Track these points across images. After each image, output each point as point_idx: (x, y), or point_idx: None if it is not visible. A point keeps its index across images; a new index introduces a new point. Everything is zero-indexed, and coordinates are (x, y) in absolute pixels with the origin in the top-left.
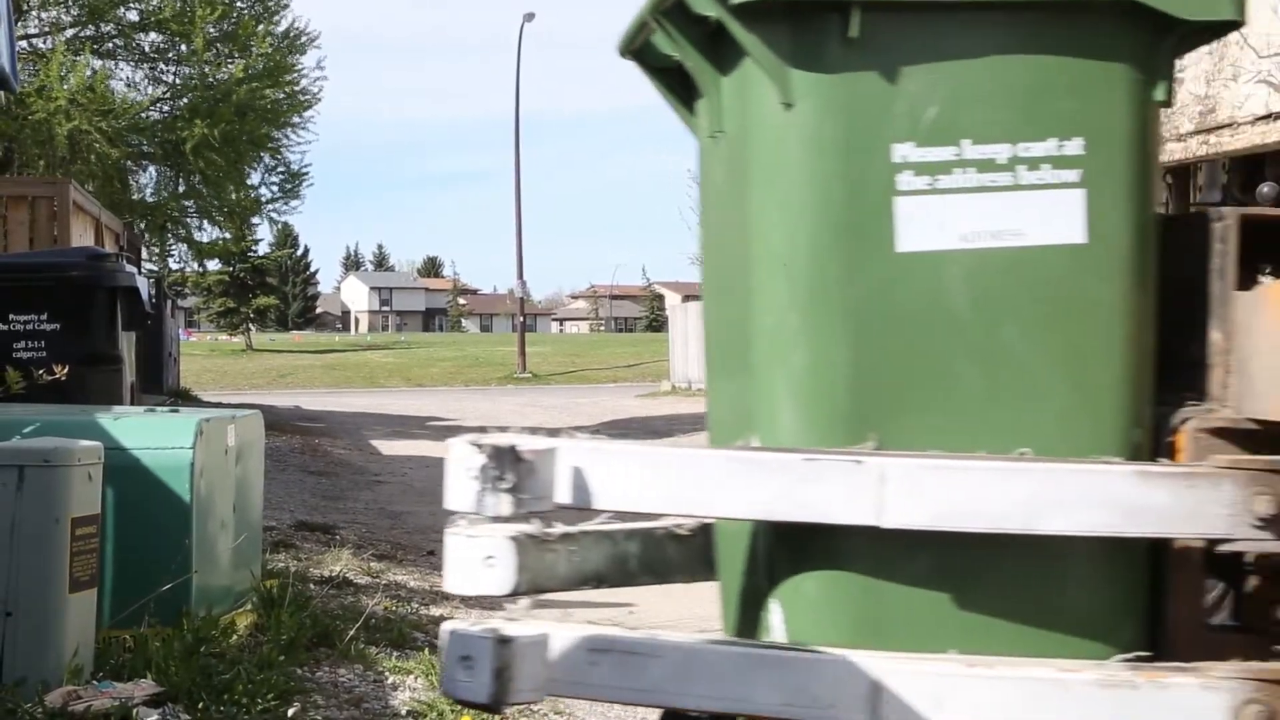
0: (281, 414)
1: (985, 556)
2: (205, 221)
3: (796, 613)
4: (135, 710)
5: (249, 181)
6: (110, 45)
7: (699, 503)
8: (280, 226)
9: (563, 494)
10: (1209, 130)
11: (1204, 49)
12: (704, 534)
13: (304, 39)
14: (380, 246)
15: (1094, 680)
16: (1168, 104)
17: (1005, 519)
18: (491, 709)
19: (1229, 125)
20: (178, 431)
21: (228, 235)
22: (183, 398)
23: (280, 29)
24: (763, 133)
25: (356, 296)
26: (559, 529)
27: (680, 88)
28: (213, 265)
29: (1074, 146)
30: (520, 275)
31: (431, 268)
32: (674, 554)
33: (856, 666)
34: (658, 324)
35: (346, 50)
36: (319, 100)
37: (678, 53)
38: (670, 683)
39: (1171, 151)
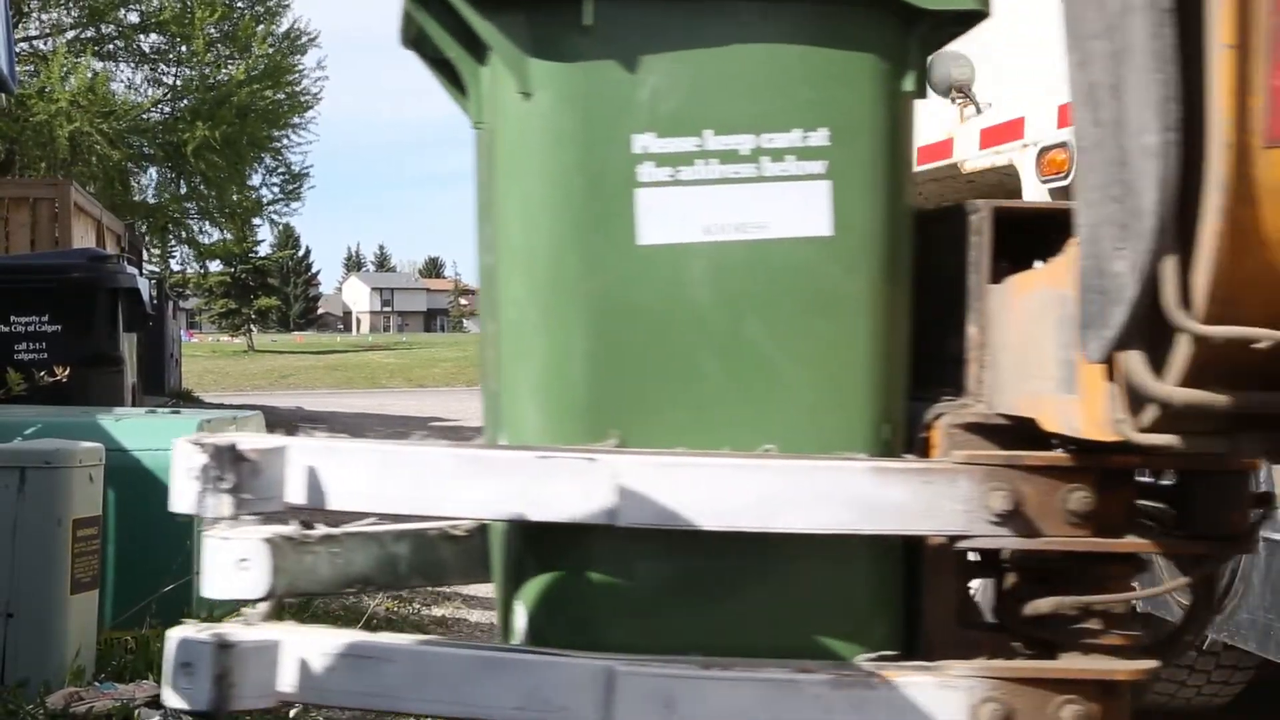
0: (283, 415)
1: (726, 555)
2: (206, 223)
3: (537, 614)
4: (137, 711)
5: (250, 182)
6: (111, 47)
7: (432, 502)
8: (281, 227)
9: (295, 494)
10: None
11: None
12: (481, 535)
13: (304, 39)
14: (381, 247)
15: (828, 680)
16: (920, 95)
17: (739, 517)
18: (210, 717)
19: None
20: (179, 433)
21: (229, 236)
22: (184, 399)
23: (281, 29)
24: (506, 124)
25: (358, 297)
26: (319, 530)
27: (457, 80)
28: (214, 266)
29: (819, 137)
30: None
31: (433, 268)
32: (449, 556)
33: (590, 668)
34: None
35: (346, 50)
36: (319, 100)
37: (441, 43)
38: (404, 687)
39: None
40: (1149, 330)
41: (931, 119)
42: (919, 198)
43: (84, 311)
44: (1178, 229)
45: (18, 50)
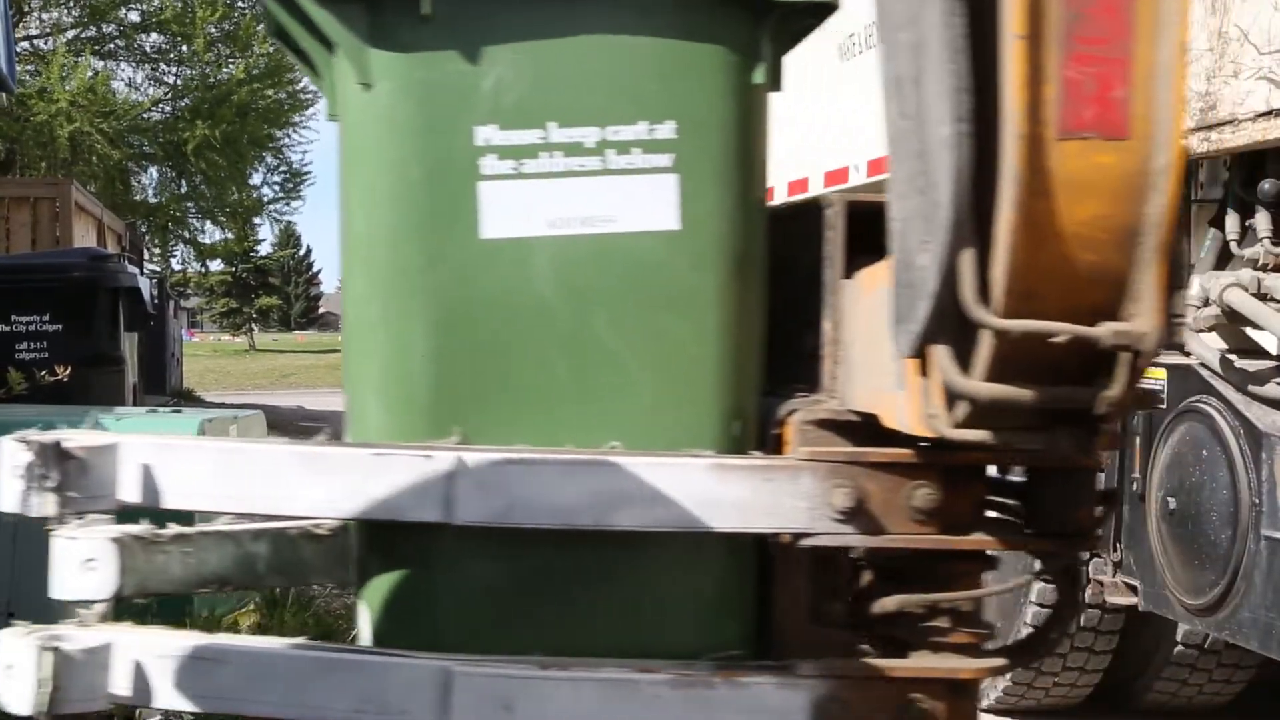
0: (284, 414)
1: (569, 553)
2: (207, 222)
3: (378, 614)
4: (138, 710)
5: (250, 181)
6: (111, 46)
7: (272, 501)
8: (282, 226)
9: (129, 492)
10: (1210, 127)
11: (1204, 45)
12: (345, 534)
13: None
14: None
15: (668, 680)
16: (774, 88)
17: (577, 514)
18: None
19: (1230, 122)
20: (180, 431)
21: (230, 235)
22: (185, 398)
23: None
24: (348, 115)
25: None
26: (171, 530)
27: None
28: (215, 266)
29: (666, 130)
30: None
31: None
32: (310, 555)
33: (428, 669)
34: None
35: None
36: (320, 98)
37: (295, 35)
38: (240, 688)
39: None
40: (955, 325)
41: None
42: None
43: (85, 311)
44: (976, 222)
45: (18, 50)
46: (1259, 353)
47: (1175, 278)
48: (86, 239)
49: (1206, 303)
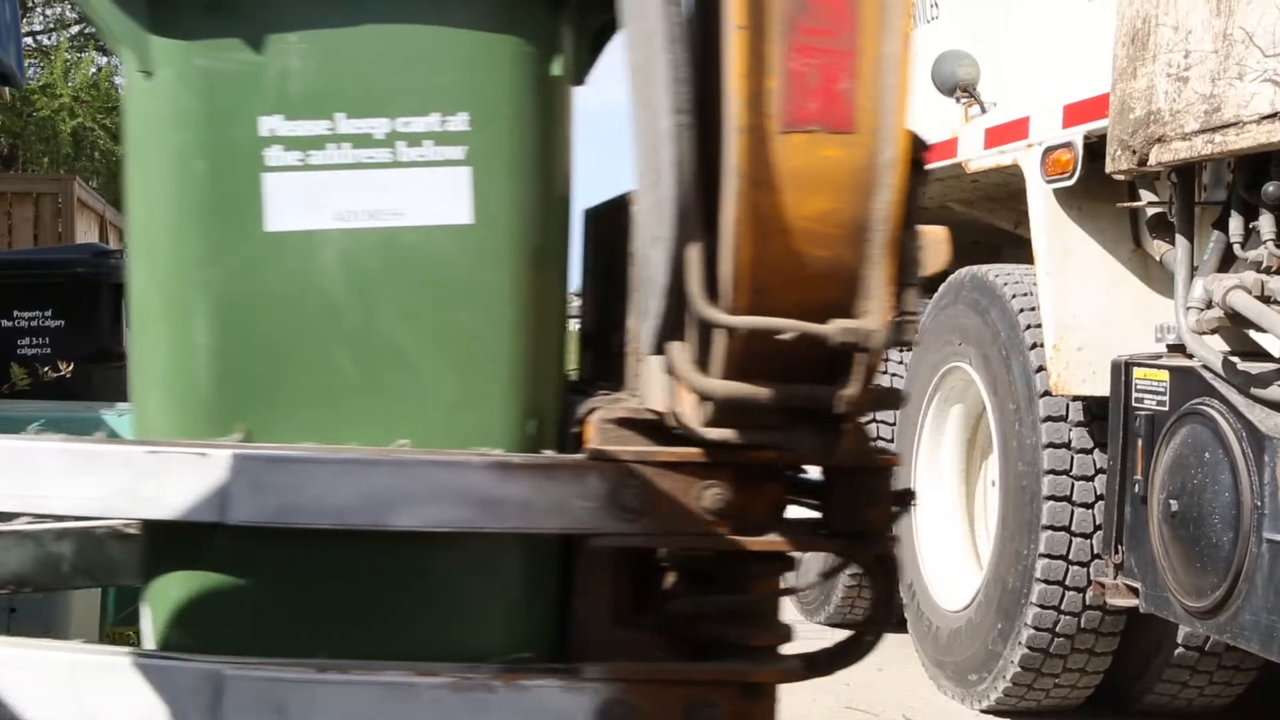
0: None
1: (351, 554)
2: None
3: (160, 616)
4: None
5: None
6: None
7: (39, 499)
8: None
9: None
10: (1214, 129)
11: (1209, 48)
12: None
13: None
14: None
15: (448, 684)
16: (578, 81)
17: (354, 514)
18: None
19: (1234, 124)
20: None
21: None
22: None
23: None
24: (131, 104)
25: None
26: None
27: None
28: None
29: (458, 122)
30: None
31: None
32: (119, 555)
33: (199, 672)
34: None
35: None
36: None
37: (93, 20)
38: (10, 691)
39: (1177, 151)
40: (689, 321)
41: (936, 118)
42: (925, 198)
43: (87, 307)
44: (706, 217)
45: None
46: (1262, 355)
47: (906, 274)
48: (89, 235)
49: (1209, 305)
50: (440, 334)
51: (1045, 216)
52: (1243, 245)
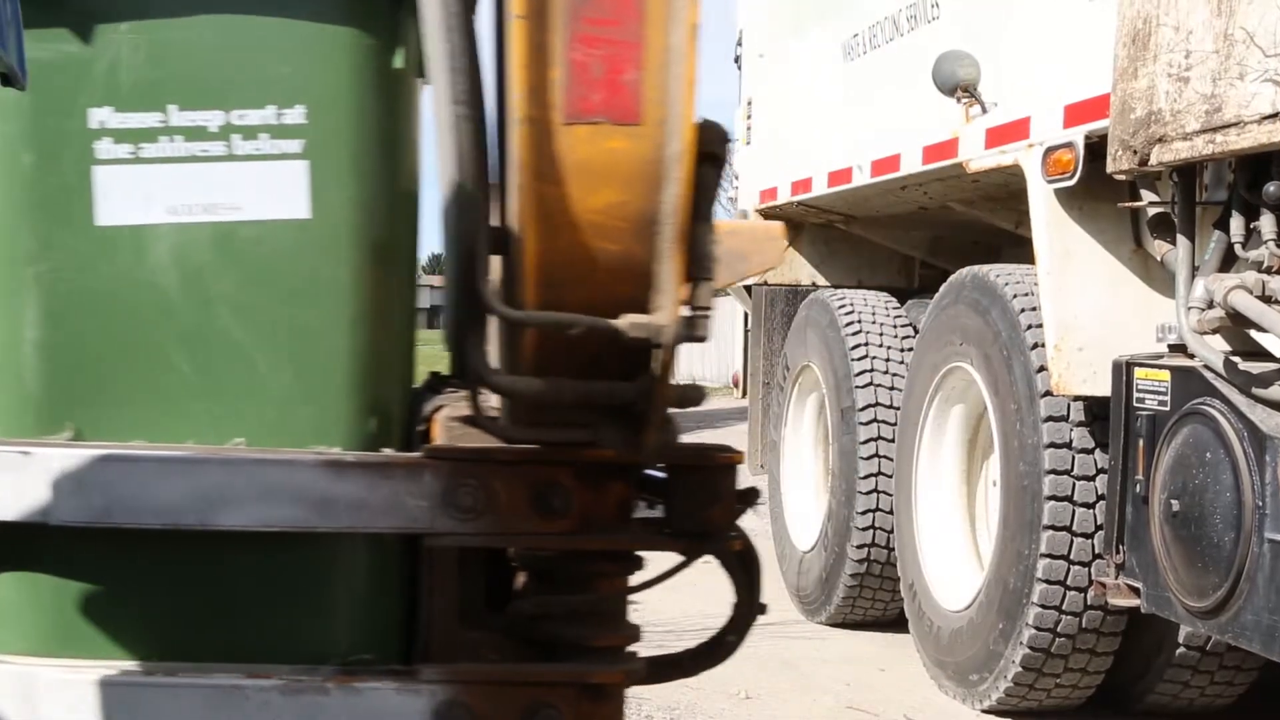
0: None
1: (181, 554)
2: None
3: None
4: None
5: None
6: None
7: None
8: None
9: None
10: (1215, 129)
11: (1210, 48)
12: None
13: None
14: None
15: (278, 686)
16: (421, 75)
17: (181, 514)
18: None
19: (1235, 124)
20: None
21: None
22: None
23: None
24: None
25: None
26: None
27: None
28: None
29: (295, 115)
30: None
31: (437, 265)
32: None
33: (15, 675)
34: None
35: None
36: None
37: None
38: None
39: (1178, 151)
40: (482, 317)
41: (937, 118)
42: (924, 197)
43: None
44: (492, 209)
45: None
46: (1263, 355)
47: (700, 268)
48: None
49: (1211, 305)
50: (277, 331)
51: (1046, 216)
52: (1244, 245)
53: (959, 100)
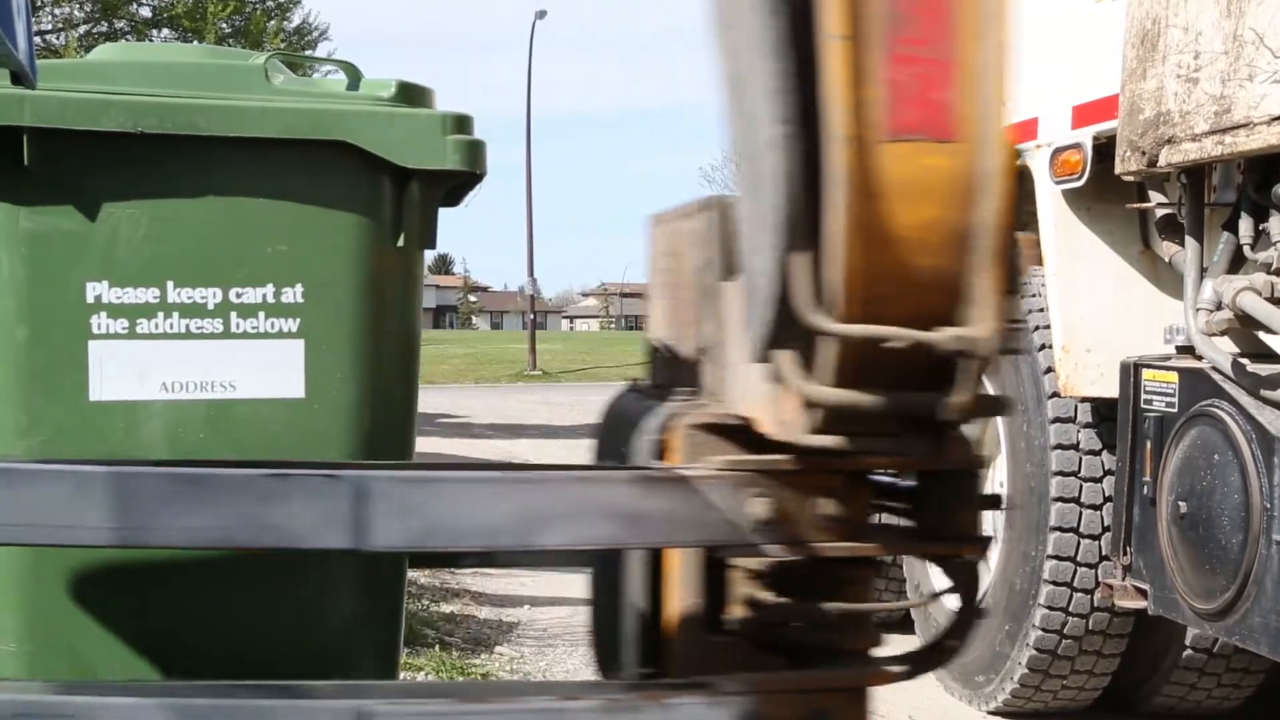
0: None
1: None
2: None
3: None
4: None
5: None
6: (123, 41)
7: None
8: None
9: None
10: (1224, 130)
11: (1219, 49)
12: None
13: (315, 34)
14: None
15: (596, 707)
16: (428, 245)
17: (498, 535)
18: None
19: (1244, 125)
20: None
21: None
22: None
23: (292, 25)
24: None
25: None
26: None
27: None
28: None
29: (293, 294)
30: (531, 273)
31: (442, 265)
32: None
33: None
34: None
35: (348, 49)
36: None
37: None
38: None
39: (1187, 152)
40: (797, 329)
41: None
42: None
43: None
44: (811, 224)
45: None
46: (1271, 357)
47: (1013, 282)
48: None
49: (1219, 307)
50: None
51: (1054, 217)
52: (1252, 247)
53: None
